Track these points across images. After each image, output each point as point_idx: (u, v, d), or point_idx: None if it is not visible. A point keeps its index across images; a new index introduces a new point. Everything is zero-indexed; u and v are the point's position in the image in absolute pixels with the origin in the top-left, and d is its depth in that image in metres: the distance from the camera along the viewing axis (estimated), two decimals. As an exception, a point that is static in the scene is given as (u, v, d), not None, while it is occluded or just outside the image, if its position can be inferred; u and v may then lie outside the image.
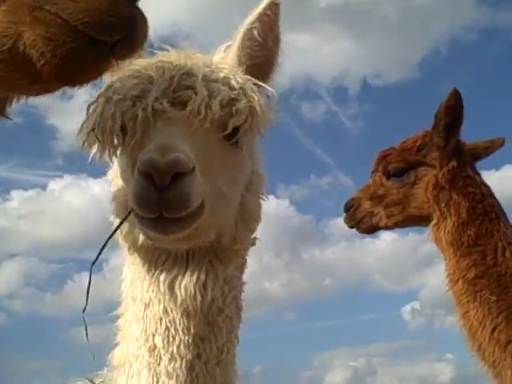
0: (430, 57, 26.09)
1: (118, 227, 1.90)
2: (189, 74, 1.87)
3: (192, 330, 1.91)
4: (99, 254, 1.92)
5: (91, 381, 3.01)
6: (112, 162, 2.05)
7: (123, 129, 1.85)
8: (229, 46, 2.07)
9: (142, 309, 1.99)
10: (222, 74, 1.91)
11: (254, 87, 1.94)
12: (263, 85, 2.00)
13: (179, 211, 1.67)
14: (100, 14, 1.21)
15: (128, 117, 1.82)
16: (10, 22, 1.22)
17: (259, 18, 2.02)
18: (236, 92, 1.88)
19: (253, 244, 2.15)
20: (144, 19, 1.34)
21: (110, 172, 2.13)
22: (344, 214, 5.00)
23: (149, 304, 1.97)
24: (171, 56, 1.97)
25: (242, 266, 2.12)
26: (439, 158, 4.44)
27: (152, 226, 1.70)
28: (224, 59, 2.04)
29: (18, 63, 1.24)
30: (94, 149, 1.92)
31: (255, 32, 2.03)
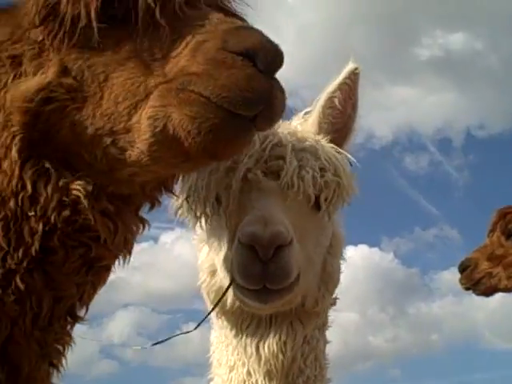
0: (538, 106, 24.16)
1: (220, 300, 1.96)
2: (278, 144, 1.95)
3: None
4: (198, 325, 2.01)
5: None
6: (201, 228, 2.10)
7: (217, 198, 1.93)
8: (307, 113, 2.16)
9: (227, 371, 2.05)
10: (308, 144, 1.99)
11: (340, 156, 2.02)
12: (346, 154, 2.07)
13: (282, 283, 1.74)
14: (238, 90, 1.27)
15: (222, 187, 1.90)
16: (161, 106, 1.31)
17: (340, 87, 2.10)
18: (323, 162, 1.95)
19: (333, 304, 2.16)
20: (281, 90, 1.37)
21: (195, 236, 2.20)
22: (459, 275, 4.85)
23: (233, 367, 2.02)
24: None
25: (322, 327, 2.12)
26: None
27: (255, 296, 1.78)
28: (303, 125, 2.13)
29: (169, 143, 1.32)
30: (188, 216, 2.02)
31: (336, 101, 2.10)
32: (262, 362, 1.94)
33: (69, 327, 1.52)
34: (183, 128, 1.28)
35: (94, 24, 1.38)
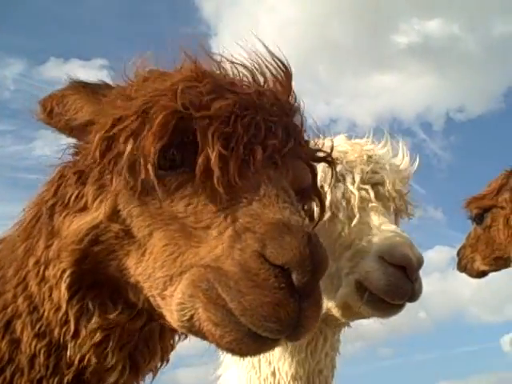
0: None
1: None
2: (376, 160, 2.23)
3: None
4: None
5: None
6: None
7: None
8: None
9: (245, 370, 2.18)
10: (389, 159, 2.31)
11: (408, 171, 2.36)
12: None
13: (419, 299, 1.92)
14: (260, 316, 1.19)
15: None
16: (189, 296, 1.26)
17: None
18: (403, 174, 2.27)
19: None
20: (314, 304, 1.27)
21: None
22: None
23: (254, 366, 2.17)
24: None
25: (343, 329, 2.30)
26: (510, 199, 4.55)
27: (391, 311, 1.95)
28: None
29: (196, 332, 1.29)
30: None
31: None
32: (293, 368, 2.10)
33: None
34: (207, 328, 1.25)
35: (156, 183, 1.33)
